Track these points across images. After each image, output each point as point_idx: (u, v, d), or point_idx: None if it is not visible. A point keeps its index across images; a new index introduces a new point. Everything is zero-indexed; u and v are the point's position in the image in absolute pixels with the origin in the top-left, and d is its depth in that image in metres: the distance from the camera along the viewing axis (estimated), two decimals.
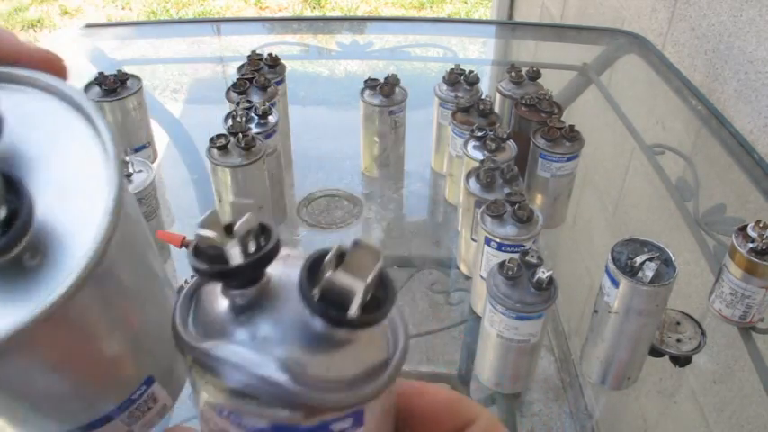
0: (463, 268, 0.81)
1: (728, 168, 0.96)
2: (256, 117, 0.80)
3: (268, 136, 0.79)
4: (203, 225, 0.17)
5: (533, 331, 0.59)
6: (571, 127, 0.79)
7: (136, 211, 0.22)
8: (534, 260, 0.59)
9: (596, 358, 0.64)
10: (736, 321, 0.68)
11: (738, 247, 0.64)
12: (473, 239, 0.75)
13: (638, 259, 0.57)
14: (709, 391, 0.71)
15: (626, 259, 0.58)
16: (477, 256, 0.69)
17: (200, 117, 1.23)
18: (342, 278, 0.16)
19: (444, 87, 0.92)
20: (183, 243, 0.66)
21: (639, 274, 0.57)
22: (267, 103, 0.81)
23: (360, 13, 3.29)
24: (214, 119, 0.83)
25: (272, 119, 0.80)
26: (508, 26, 1.81)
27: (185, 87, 1.30)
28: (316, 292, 0.16)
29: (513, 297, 0.57)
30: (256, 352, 0.17)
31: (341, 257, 0.17)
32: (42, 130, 0.19)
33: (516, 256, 0.60)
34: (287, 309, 0.17)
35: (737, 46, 1.00)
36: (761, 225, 0.65)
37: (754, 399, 0.68)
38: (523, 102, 0.86)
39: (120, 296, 0.20)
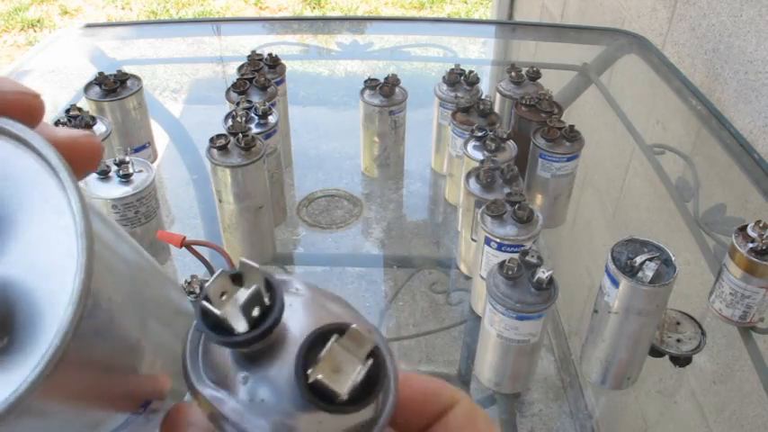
0: (463, 268, 0.81)
1: (728, 168, 0.96)
2: (256, 117, 0.80)
3: (268, 136, 0.79)
4: (210, 293, 0.17)
5: (533, 331, 0.59)
6: (571, 127, 0.79)
7: (124, 246, 0.20)
8: (534, 260, 0.59)
9: (596, 358, 0.64)
10: (736, 321, 0.68)
11: (738, 247, 0.64)
12: (473, 239, 0.75)
13: (638, 259, 0.57)
14: (709, 391, 0.71)
15: (626, 259, 0.58)
16: (477, 256, 0.69)
17: (201, 117, 1.23)
18: (330, 376, 0.17)
19: (444, 87, 0.92)
20: (183, 243, 0.66)
21: (639, 274, 0.57)
22: (267, 103, 0.81)
23: (360, 13, 3.29)
24: (214, 119, 0.83)
25: (272, 119, 0.80)
26: (508, 26, 1.81)
27: (185, 87, 1.30)
28: (309, 381, 0.17)
29: (513, 297, 0.57)
30: (253, 416, 0.17)
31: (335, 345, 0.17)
32: (9, 187, 0.17)
33: (516, 256, 0.60)
34: (286, 367, 0.18)
35: (737, 46, 1.00)
36: (761, 225, 0.65)
37: (754, 399, 0.68)
38: (523, 102, 0.86)
39: (117, 334, 0.19)
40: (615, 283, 0.58)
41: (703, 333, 0.68)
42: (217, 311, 0.17)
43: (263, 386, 0.18)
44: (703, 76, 1.09)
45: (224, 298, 0.17)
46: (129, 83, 0.88)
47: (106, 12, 3.38)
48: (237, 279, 0.18)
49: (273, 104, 0.84)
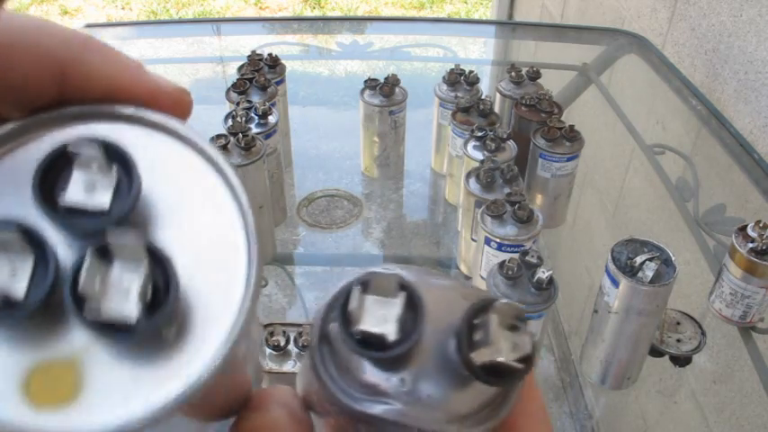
0: (463, 268, 0.81)
1: (728, 168, 0.96)
2: (256, 117, 0.80)
3: (268, 136, 0.79)
4: (354, 312, 0.16)
5: (533, 331, 0.59)
6: (571, 127, 0.79)
7: None
8: (534, 260, 0.59)
9: (596, 358, 0.64)
10: (736, 321, 0.68)
11: (738, 247, 0.64)
12: (473, 239, 0.75)
13: (638, 259, 0.57)
14: (709, 391, 0.71)
15: (626, 259, 0.58)
16: (477, 256, 0.69)
17: (201, 117, 1.23)
18: (493, 353, 0.16)
19: (444, 87, 0.92)
20: None
21: (639, 274, 0.57)
22: (267, 103, 0.81)
23: (360, 13, 3.29)
24: (214, 119, 0.83)
25: (272, 119, 0.80)
26: (508, 26, 1.81)
27: (185, 87, 1.30)
28: (478, 364, 0.16)
29: (513, 297, 0.57)
30: (425, 412, 0.17)
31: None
32: (173, 182, 0.17)
33: (516, 256, 0.60)
34: (433, 357, 0.17)
35: (737, 46, 1.00)
36: (761, 225, 0.65)
37: (753, 399, 0.68)
38: (523, 102, 0.86)
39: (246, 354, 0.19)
40: (615, 283, 0.58)
41: (703, 333, 0.68)
42: (377, 331, 0.16)
43: (422, 382, 0.17)
44: (703, 76, 1.09)
45: (363, 312, 0.16)
46: None
47: (106, 12, 3.38)
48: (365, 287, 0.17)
49: (273, 104, 0.84)
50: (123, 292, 0.15)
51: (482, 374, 0.16)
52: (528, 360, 0.17)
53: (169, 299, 0.15)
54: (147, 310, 0.15)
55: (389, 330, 0.16)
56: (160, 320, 0.15)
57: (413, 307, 0.17)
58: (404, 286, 0.17)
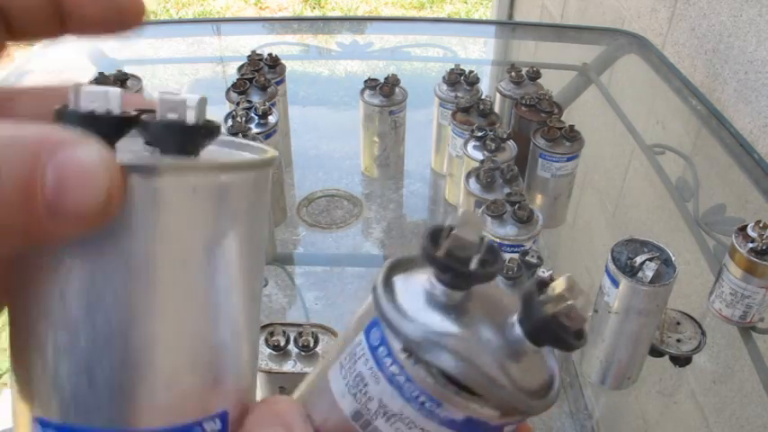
0: None
1: (728, 168, 0.96)
2: (256, 117, 0.80)
3: (268, 136, 0.79)
4: (463, 223, 0.19)
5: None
6: (571, 127, 0.79)
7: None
8: (534, 260, 0.59)
9: (596, 358, 0.64)
10: (736, 321, 0.68)
11: (738, 247, 0.64)
12: None
13: (638, 259, 0.57)
14: (709, 391, 0.71)
15: (626, 259, 0.58)
16: None
17: None
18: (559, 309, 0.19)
19: (444, 87, 0.92)
20: None
21: (639, 274, 0.57)
22: (267, 103, 0.81)
23: (360, 13, 3.29)
24: (214, 119, 0.83)
25: (272, 119, 0.80)
26: (508, 26, 1.81)
27: (185, 87, 1.30)
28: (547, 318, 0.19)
29: None
30: (481, 350, 0.19)
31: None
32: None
33: (516, 256, 0.60)
34: (488, 320, 0.20)
35: (737, 46, 1.00)
36: (761, 225, 0.65)
37: (753, 399, 0.68)
38: (523, 102, 0.86)
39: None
40: (615, 283, 0.58)
41: (703, 333, 0.68)
42: (471, 238, 0.19)
43: (479, 328, 0.20)
44: (703, 76, 1.09)
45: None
46: (129, 83, 0.88)
47: None
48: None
49: (273, 104, 0.84)
50: None
51: (542, 330, 0.19)
52: (581, 334, 0.19)
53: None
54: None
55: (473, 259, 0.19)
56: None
57: (492, 250, 0.20)
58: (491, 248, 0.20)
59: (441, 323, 0.19)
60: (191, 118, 0.18)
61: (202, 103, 0.19)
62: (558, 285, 0.19)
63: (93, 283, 0.18)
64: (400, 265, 0.22)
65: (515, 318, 0.20)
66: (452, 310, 0.20)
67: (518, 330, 0.20)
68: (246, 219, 0.20)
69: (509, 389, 0.19)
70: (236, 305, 0.20)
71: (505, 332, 0.20)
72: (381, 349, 0.19)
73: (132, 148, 0.19)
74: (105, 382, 0.18)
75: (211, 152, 0.20)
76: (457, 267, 0.19)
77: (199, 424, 0.19)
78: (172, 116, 0.18)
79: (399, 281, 0.21)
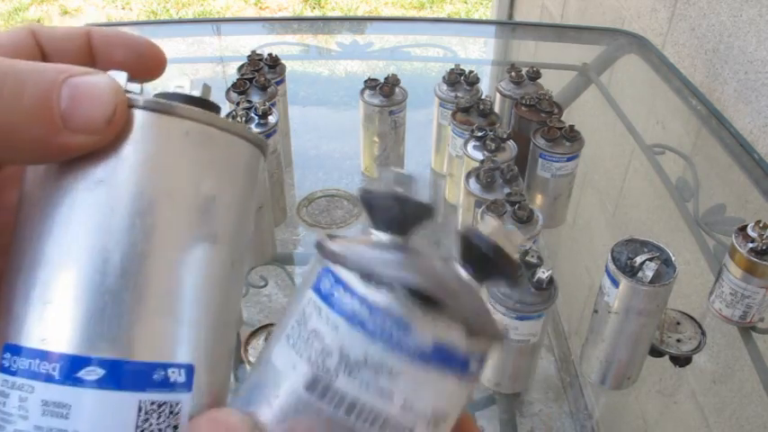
0: None
1: (728, 168, 0.96)
2: (256, 117, 0.79)
3: (268, 136, 0.79)
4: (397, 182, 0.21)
5: (533, 331, 0.59)
6: (571, 127, 0.79)
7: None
8: (534, 260, 0.59)
9: (596, 358, 0.64)
10: (736, 321, 0.68)
11: (738, 247, 0.64)
12: None
13: (638, 259, 0.57)
14: (709, 391, 0.71)
15: (626, 259, 0.58)
16: None
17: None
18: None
19: (444, 87, 0.92)
20: None
21: (639, 274, 0.57)
22: (267, 103, 0.81)
23: (360, 13, 3.29)
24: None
25: (272, 119, 0.80)
26: (508, 26, 1.81)
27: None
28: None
29: (513, 297, 0.57)
30: (437, 268, 0.20)
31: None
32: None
33: (516, 256, 0.60)
34: (435, 256, 0.21)
35: (737, 46, 1.00)
36: (761, 225, 0.65)
37: (753, 399, 0.68)
38: (523, 102, 0.86)
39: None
40: (615, 283, 0.58)
41: (703, 333, 0.68)
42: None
43: (435, 260, 0.21)
44: (703, 76, 1.09)
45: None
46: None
47: (106, 12, 3.38)
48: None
49: (273, 104, 0.84)
50: None
51: (484, 259, 0.20)
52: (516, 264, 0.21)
53: None
54: None
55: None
56: None
57: (423, 206, 0.21)
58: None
59: (393, 253, 0.20)
60: (195, 93, 0.22)
61: (206, 87, 0.22)
62: (489, 224, 0.20)
63: (90, 208, 0.20)
64: (334, 236, 0.22)
65: (456, 256, 0.21)
66: (400, 247, 0.20)
67: (462, 266, 0.20)
68: (234, 184, 0.22)
69: (470, 301, 0.19)
70: (214, 260, 0.21)
71: (451, 266, 0.20)
72: (337, 290, 0.19)
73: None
74: (86, 305, 0.19)
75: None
76: (396, 207, 0.20)
77: (163, 367, 0.20)
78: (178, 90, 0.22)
79: (339, 241, 0.21)
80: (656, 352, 0.66)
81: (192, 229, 0.20)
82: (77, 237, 0.19)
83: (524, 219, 0.65)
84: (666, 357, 0.66)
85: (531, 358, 0.63)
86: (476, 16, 3.37)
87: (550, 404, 0.68)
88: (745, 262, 0.64)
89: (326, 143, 1.10)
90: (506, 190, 0.70)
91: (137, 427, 0.19)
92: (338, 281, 0.19)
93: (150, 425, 0.19)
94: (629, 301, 0.58)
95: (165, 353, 0.20)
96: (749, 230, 0.65)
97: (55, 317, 0.19)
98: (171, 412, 0.20)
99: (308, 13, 3.39)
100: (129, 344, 0.19)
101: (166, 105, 0.21)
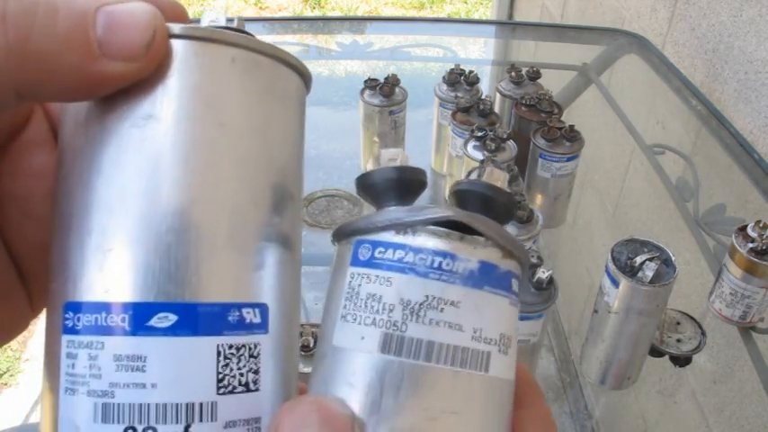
0: None
1: (728, 168, 0.96)
2: None
3: None
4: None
5: (533, 331, 0.59)
6: (571, 127, 0.79)
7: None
8: (534, 260, 0.59)
9: (596, 358, 0.64)
10: (736, 321, 0.68)
11: (738, 247, 0.64)
12: None
13: (638, 259, 0.57)
14: (709, 391, 0.71)
15: (626, 259, 0.58)
16: None
17: None
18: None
19: (444, 87, 0.92)
20: None
21: (639, 274, 0.57)
22: None
23: (360, 13, 3.29)
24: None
25: None
26: (508, 26, 1.81)
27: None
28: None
29: None
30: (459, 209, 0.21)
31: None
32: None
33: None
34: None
35: (737, 46, 1.00)
36: (761, 225, 0.65)
37: (754, 399, 0.68)
38: (523, 102, 0.86)
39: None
40: (615, 283, 0.58)
41: (703, 333, 0.68)
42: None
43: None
44: (703, 76, 1.09)
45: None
46: None
47: None
48: None
49: None
50: None
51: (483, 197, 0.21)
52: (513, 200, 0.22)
53: None
54: None
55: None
56: None
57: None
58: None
59: (409, 210, 0.20)
60: (231, 25, 0.21)
61: (241, 21, 0.21)
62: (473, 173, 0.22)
63: (141, 145, 0.18)
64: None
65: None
66: (408, 207, 0.21)
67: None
68: (286, 112, 0.21)
69: (495, 226, 0.20)
70: (275, 190, 0.20)
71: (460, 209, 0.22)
72: (378, 251, 0.20)
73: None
74: (150, 248, 0.18)
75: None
76: (395, 176, 0.22)
77: (237, 307, 0.19)
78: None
79: (357, 218, 0.22)
80: (656, 352, 0.66)
81: (248, 160, 0.19)
82: (131, 177, 0.18)
83: (524, 219, 0.65)
84: (666, 357, 0.66)
85: (531, 358, 0.63)
86: (476, 16, 3.37)
87: (550, 404, 0.68)
88: (745, 262, 0.64)
89: (326, 143, 1.10)
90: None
91: (218, 372, 0.18)
92: (376, 243, 0.20)
93: (231, 370, 0.18)
94: (629, 301, 0.58)
95: (237, 292, 0.19)
96: (749, 230, 0.65)
97: (117, 264, 0.18)
98: (251, 355, 0.19)
99: (308, 13, 3.39)
100: (199, 285, 0.18)
101: (208, 32, 0.20)
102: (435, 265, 0.19)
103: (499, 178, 0.22)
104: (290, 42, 1.41)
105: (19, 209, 0.22)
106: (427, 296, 0.19)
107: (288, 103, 0.21)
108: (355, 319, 0.19)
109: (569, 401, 0.69)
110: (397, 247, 0.19)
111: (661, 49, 1.21)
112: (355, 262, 0.20)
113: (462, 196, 0.22)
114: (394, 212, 0.20)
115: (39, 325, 0.22)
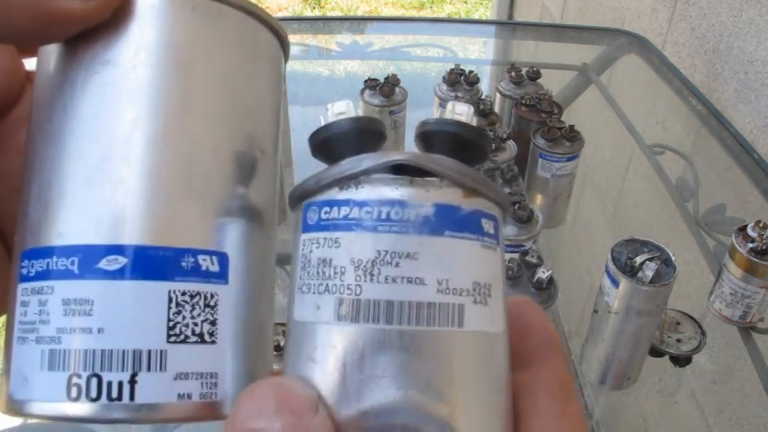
0: None
1: (728, 168, 0.96)
2: None
3: None
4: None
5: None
6: (571, 127, 0.79)
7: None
8: (534, 260, 0.59)
9: (596, 358, 0.64)
10: (736, 321, 0.68)
11: (738, 247, 0.64)
12: None
13: (638, 259, 0.57)
14: (709, 391, 0.71)
15: (626, 259, 0.58)
16: None
17: None
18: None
19: (444, 87, 0.92)
20: None
21: (639, 274, 0.57)
22: None
23: (360, 13, 3.29)
24: None
25: None
26: (508, 26, 1.81)
27: None
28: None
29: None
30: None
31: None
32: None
33: (516, 256, 0.60)
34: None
35: (737, 46, 1.00)
36: (761, 225, 0.65)
37: (754, 399, 0.68)
38: (523, 102, 0.86)
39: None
40: (615, 283, 0.58)
41: (703, 333, 0.68)
42: None
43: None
44: (703, 76, 1.09)
45: None
46: None
47: None
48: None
49: None
50: None
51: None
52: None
53: None
54: None
55: None
56: None
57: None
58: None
59: (357, 159, 0.18)
60: None
61: None
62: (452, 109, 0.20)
63: (98, 90, 0.18)
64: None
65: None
66: (360, 156, 0.19)
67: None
68: (253, 66, 0.21)
69: (453, 164, 0.18)
70: (233, 139, 0.20)
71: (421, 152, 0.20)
72: (324, 212, 0.18)
73: None
74: (101, 191, 0.18)
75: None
76: (347, 127, 0.20)
77: (192, 253, 0.18)
78: None
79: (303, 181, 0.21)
80: (656, 352, 0.66)
81: (207, 107, 0.19)
82: (87, 121, 0.18)
83: (524, 219, 0.65)
84: (666, 357, 0.66)
85: None
86: (476, 16, 3.37)
87: None
88: (745, 262, 0.64)
89: None
90: (506, 190, 0.70)
91: (168, 320, 0.17)
92: (321, 204, 0.18)
93: (183, 318, 0.17)
94: (629, 301, 0.58)
95: (192, 238, 0.18)
96: (749, 230, 0.65)
97: (72, 208, 0.18)
98: (206, 305, 0.18)
99: (308, 13, 3.38)
100: (151, 229, 0.17)
101: None
102: (383, 216, 0.17)
103: (462, 112, 0.19)
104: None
105: (7, 185, 0.22)
106: (379, 251, 0.17)
107: (257, 57, 0.21)
108: (309, 289, 0.18)
109: None
110: (341, 204, 0.18)
111: (661, 49, 1.21)
112: (305, 227, 0.19)
113: (423, 138, 0.20)
114: (336, 167, 0.18)
115: None
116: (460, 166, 0.18)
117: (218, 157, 0.19)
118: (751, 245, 0.64)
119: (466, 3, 3.49)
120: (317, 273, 0.18)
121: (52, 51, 0.20)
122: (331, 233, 0.18)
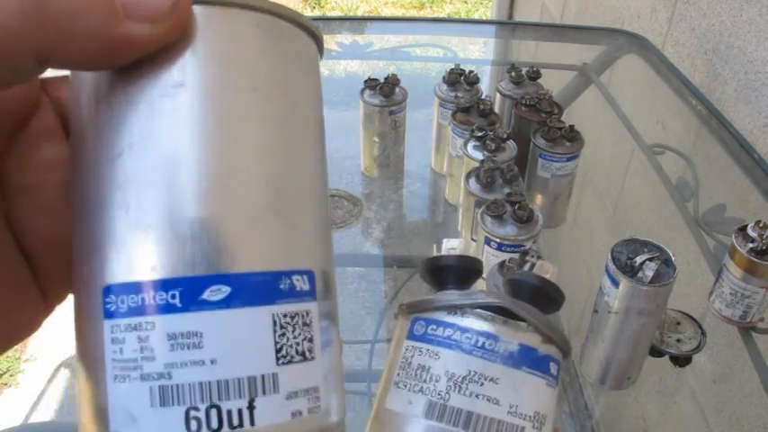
0: None
1: (728, 168, 0.96)
2: None
3: None
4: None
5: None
6: (571, 127, 0.79)
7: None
8: (534, 260, 0.58)
9: (596, 358, 0.64)
10: (736, 321, 0.68)
11: (738, 247, 0.64)
12: (473, 239, 0.75)
13: (638, 259, 0.57)
14: (709, 391, 0.71)
15: (626, 259, 0.58)
16: (477, 256, 0.69)
17: None
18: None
19: (444, 87, 0.92)
20: None
21: (639, 274, 0.57)
22: None
23: (360, 13, 3.29)
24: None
25: None
26: (508, 26, 1.81)
27: None
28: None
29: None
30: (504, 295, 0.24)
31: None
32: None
33: (516, 256, 0.60)
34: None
35: (737, 46, 1.00)
36: (761, 225, 0.65)
37: (754, 399, 0.68)
38: (523, 102, 0.86)
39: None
40: (615, 283, 0.58)
41: (703, 333, 0.68)
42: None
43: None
44: (703, 76, 1.09)
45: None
46: None
47: None
48: None
49: None
50: None
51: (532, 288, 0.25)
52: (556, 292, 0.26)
53: None
54: None
55: None
56: None
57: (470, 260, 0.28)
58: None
59: (464, 294, 0.24)
60: None
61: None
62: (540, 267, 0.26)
63: (172, 114, 0.18)
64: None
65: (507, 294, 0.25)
66: (465, 292, 0.25)
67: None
68: (309, 76, 0.21)
69: (538, 315, 0.23)
70: (310, 155, 0.20)
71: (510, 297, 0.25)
72: (431, 328, 0.23)
73: None
74: (186, 221, 0.17)
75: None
76: (456, 264, 0.27)
77: (287, 274, 0.18)
78: None
79: (416, 299, 0.25)
80: (656, 352, 0.66)
81: (282, 124, 0.19)
82: (167, 148, 0.17)
83: (524, 219, 0.65)
84: (666, 357, 0.66)
85: None
86: (476, 16, 3.37)
87: None
88: (745, 262, 0.64)
89: (326, 143, 1.10)
90: (506, 190, 0.70)
91: (275, 343, 0.18)
92: (429, 321, 0.23)
93: (288, 339, 0.18)
94: (629, 301, 0.58)
95: (286, 259, 0.18)
96: (749, 230, 0.65)
97: (160, 240, 0.17)
98: (304, 323, 0.18)
99: (308, 13, 3.38)
100: (248, 254, 0.17)
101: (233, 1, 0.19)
102: (479, 344, 0.22)
103: (548, 270, 0.26)
104: None
105: (31, 203, 0.21)
106: (470, 371, 0.22)
107: (309, 68, 0.22)
108: (406, 386, 0.22)
109: (569, 401, 0.69)
110: (447, 325, 0.23)
111: (661, 49, 1.21)
112: (411, 336, 0.23)
113: (514, 285, 0.25)
114: (448, 295, 0.23)
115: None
116: (544, 317, 0.23)
117: (301, 174, 0.20)
118: (751, 245, 0.64)
119: (466, 3, 3.49)
120: (415, 375, 0.22)
121: (97, 74, 0.19)
122: (433, 347, 0.23)
